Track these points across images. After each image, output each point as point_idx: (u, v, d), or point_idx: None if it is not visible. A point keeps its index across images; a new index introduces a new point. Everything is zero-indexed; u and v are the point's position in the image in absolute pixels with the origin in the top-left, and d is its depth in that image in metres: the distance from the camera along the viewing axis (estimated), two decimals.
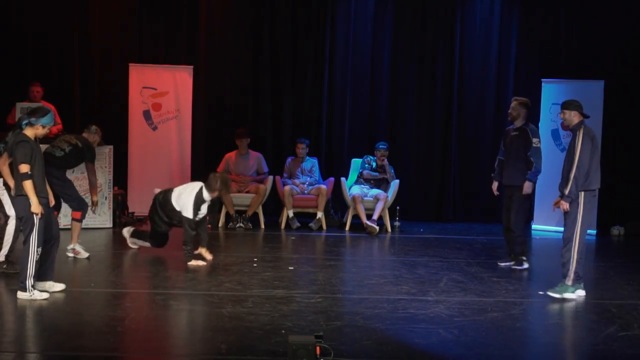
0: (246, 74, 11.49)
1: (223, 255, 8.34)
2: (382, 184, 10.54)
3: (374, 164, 10.59)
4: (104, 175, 9.68)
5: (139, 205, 10.70)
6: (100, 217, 9.73)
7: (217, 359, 4.98)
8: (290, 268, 7.77)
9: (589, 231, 10.35)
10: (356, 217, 10.31)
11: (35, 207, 6.13)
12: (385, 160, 10.53)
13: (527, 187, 7.91)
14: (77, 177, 9.09)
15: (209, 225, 10.15)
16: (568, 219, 6.79)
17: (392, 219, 10.51)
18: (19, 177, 6.13)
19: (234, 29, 11.44)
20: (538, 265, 8.38)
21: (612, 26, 11.06)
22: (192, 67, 11.16)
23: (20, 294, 6.26)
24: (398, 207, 10.60)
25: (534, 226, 10.77)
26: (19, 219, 6.45)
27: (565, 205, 6.72)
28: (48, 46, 11.17)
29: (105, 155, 9.71)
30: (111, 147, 9.83)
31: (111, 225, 9.83)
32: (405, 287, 7.01)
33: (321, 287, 7.02)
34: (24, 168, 6.11)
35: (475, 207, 11.59)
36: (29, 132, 6.22)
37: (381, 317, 6.01)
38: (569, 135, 10.57)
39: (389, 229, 10.38)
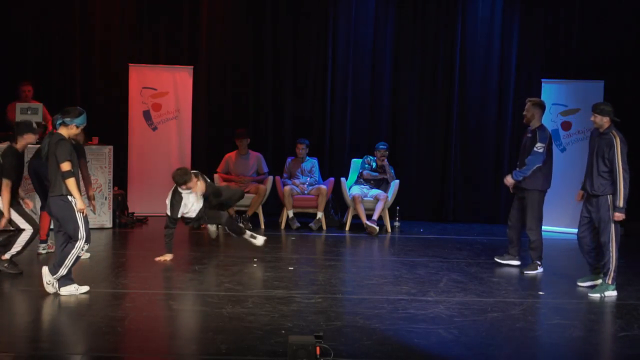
0: (246, 74, 11.49)
1: (223, 255, 8.35)
2: (382, 184, 10.54)
3: (374, 164, 10.59)
4: (104, 175, 9.68)
5: (139, 205, 10.70)
6: (100, 217, 9.73)
7: (217, 359, 4.98)
8: (290, 268, 7.78)
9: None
10: (356, 217, 10.31)
11: (81, 204, 6.26)
12: (385, 160, 10.53)
13: (507, 178, 8.01)
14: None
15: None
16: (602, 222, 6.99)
17: (392, 219, 10.51)
18: (61, 176, 6.23)
19: (234, 29, 11.44)
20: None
21: (612, 26, 11.05)
22: (192, 67, 11.16)
23: (48, 276, 6.32)
24: (398, 207, 10.60)
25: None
26: (56, 220, 6.41)
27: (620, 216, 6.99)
28: (48, 46, 11.17)
29: (105, 155, 9.71)
30: (111, 147, 9.82)
31: (111, 226, 9.82)
32: (405, 287, 7.02)
33: (321, 287, 7.02)
34: (67, 166, 6.22)
35: (475, 208, 11.59)
36: (64, 131, 6.31)
37: (381, 317, 6.01)
38: (569, 135, 10.64)
39: (389, 229, 10.38)
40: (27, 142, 7.25)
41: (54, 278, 6.34)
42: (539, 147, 7.81)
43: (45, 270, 6.36)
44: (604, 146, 6.91)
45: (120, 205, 10.10)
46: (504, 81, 11.50)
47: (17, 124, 7.48)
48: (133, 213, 10.46)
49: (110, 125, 10.99)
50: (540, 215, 7.98)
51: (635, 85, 10.95)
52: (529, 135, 7.98)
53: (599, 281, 7.07)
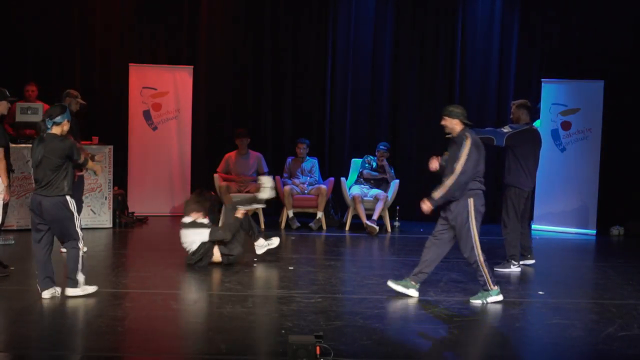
0: (246, 73, 11.49)
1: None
2: (382, 184, 10.54)
3: (374, 164, 10.59)
4: (104, 175, 9.68)
5: (139, 205, 10.70)
6: (100, 217, 9.73)
7: (217, 359, 4.98)
8: (290, 268, 7.78)
9: (588, 231, 10.46)
10: (356, 217, 10.31)
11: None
12: (385, 160, 10.53)
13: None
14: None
15: None
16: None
17: (392, 219, 10.51)
18: (81, 165, 6.45)
19: (234, 29, 11.44)
20: (538, 265, 8.36)
21: (612, 26, 11.05)
22: (192, 67, 11.16)
23: (70, 290, 6.29)
24: (398, 207, 10.60)
25: (534, 226, 10.77)
26: (46, 220, 6.30)
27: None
28: (48, 46, 11.17)
29: (105, 155, 9.69)
30: (111, 147, 9.82)
31: (111, 225, 9.82)
32: None
33: (321, 287, 7.02)
34: (83, 158, 6.45)
35: None
36: (57, 130, 6.29)
37: (381, 317, 6.01)
38: (569, 135, 10.65)
39: (389, 229, 10.38)
40: (1, 109, 7.13)
41: (80, 287, 6.33)
42: (505, 129, 7.91)
43: (69, 291, 6.30)
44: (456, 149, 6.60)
45: (120, 205, 10.10)
46: (503, 81, 11.50)
47: None
48: (133, 213, 10.46)
49: (110, 125, 11.00)
50: (516, 212, 7.93)
51: (635, 85, 10.95)
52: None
53: None
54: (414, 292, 6.60)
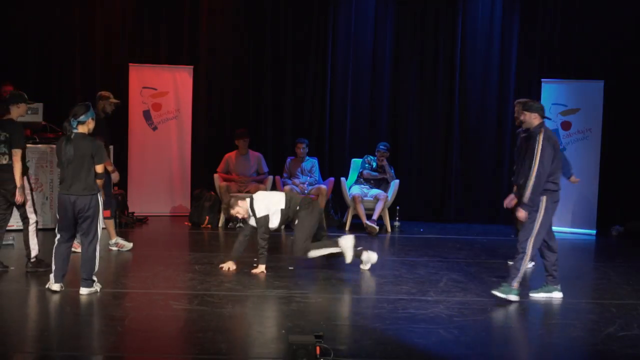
0: (246, 74, 11.49)
1: (223, 255, 8.34)
2: (382, 184, 10.55)
3: (374, 164, 10.59)
4: None
5: (139, 205, 10.70)
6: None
7: (217, 359, 4.98)
8: (290, 268, 7.77)
9: (588, 231, 10.46)
10: (356, 217, 10.31)
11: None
12: (385, 160, 10.53)
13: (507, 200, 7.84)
14: None
15: (209, 225, 10.21)
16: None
17: (392, 219, 10.51)
18: (95, 175, 6.40)
19: (234, 29, 11.44)
20: (538, 265, 8.35)
21: (612, 26, 11.06)
22: (192, 67, 11.16)
23: (86, 290, 6.39)
24: (398, 207, 10.60)
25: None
26: (78, 218, 6.40)
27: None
28: (48, 46, 11.18)
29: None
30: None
31: None
32: (405, 287, 7.01)
33: (321, 287, 7.02)
34: (103, 168, 6.49)
35: (475, 208, 11.59)
36: (84, 130, 6.38)
37: (381, 317, 6.00)
38: (569, 135, 10.65)
39: (389, 229, 10.38)
40: (21, 112, 7.20)
41: (96, 285, 6.47)
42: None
43: (83, 290, 6.39)
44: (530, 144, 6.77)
45: (120, 205, 10.10)
46: (504, 81, 11.51)
47: (10, 94, 7.34)
48: (133, 213, 10.46)
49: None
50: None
51: (635, 85, 10.95)
52: (524, 135, 7.96)
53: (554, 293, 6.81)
54: (557, 294, 6.76)
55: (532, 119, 6.66)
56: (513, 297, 6.51)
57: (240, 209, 7.57)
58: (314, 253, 7.48)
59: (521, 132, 7.97)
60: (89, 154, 6.32)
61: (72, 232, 6.47)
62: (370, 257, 7.70)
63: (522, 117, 6.83)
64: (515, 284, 6.53)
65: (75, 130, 6.32)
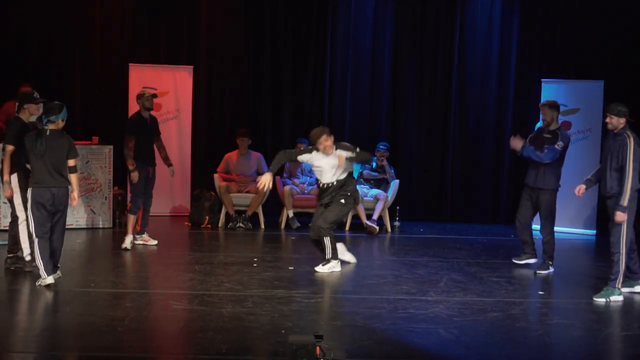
0: (246, 74, 11.49)
1: (223, 255, 8.35)
2: (382, 184, 10.55)
3: (374, 164, 10.59)
4: (104, 175, 9.68)
5: None
6: (100, 217, 9.73)
7: (217, 359, 4.98)
8: (290, 268, 7.78)
9: (588, 231, 10.46)
10: (356, 217, 10.31)
11: (77, 195, 6.83)
12: (385, 160, 10.53)
13: (515, 142, 7.95)
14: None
15: (209, 225, 10.21)
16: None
17: (392, 219, 10.51)
18: (68, 170, 6.65)
19: (234, 29, 11.44)
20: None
21: (612, 26, 11.05)
22: (192, 67, 11.16)
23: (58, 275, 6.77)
24: (398, 207, 10.60)
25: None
26: (56, 211, 6.66)
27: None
28: (48, 46, 11.18)
29: (105, 155, 9.71)
30: (111, 147, 9.83)
31: (111, 225, 9.82)
32: (405, 287, 7.02)
33: (321, 287, 7.03)
34: (76, 162, 6.78)
35: (475, 208, 11.58)
36: (53, 127, 6.61)
37: (381, 317, 6.01)
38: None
39: (389, 229, 10.38)
40: (30, 112, 7.26)
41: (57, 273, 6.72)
42: (559, 145, 7.87)
43: (56, 275, 6.74)
44: (618, 146, 6.85)
45: (120, 205, 10.09)
46: (503, 81, 11.50)
47: (21, 94, 7.55)
48: None
49: (110, 125, 10.99)
50: (554, 214, 8.04)
51: (635, 85, 10.94)
52: (547, 136, 7.97)
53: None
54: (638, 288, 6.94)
55: (619, 123, 6.83)
56: (617, 298, 6.67)
57: (328, 143, 8.03)
58: (327, 241, 7.63)
59: (544, 131, 8.02)
60: (66, 149, 6.60)
61: (49, 226, 6.60)
62: (350, 258, 8.06)
63: (610, 121, 6.91)
64: (619, 285, 6.70)
65: (45, 127, 6.56)
